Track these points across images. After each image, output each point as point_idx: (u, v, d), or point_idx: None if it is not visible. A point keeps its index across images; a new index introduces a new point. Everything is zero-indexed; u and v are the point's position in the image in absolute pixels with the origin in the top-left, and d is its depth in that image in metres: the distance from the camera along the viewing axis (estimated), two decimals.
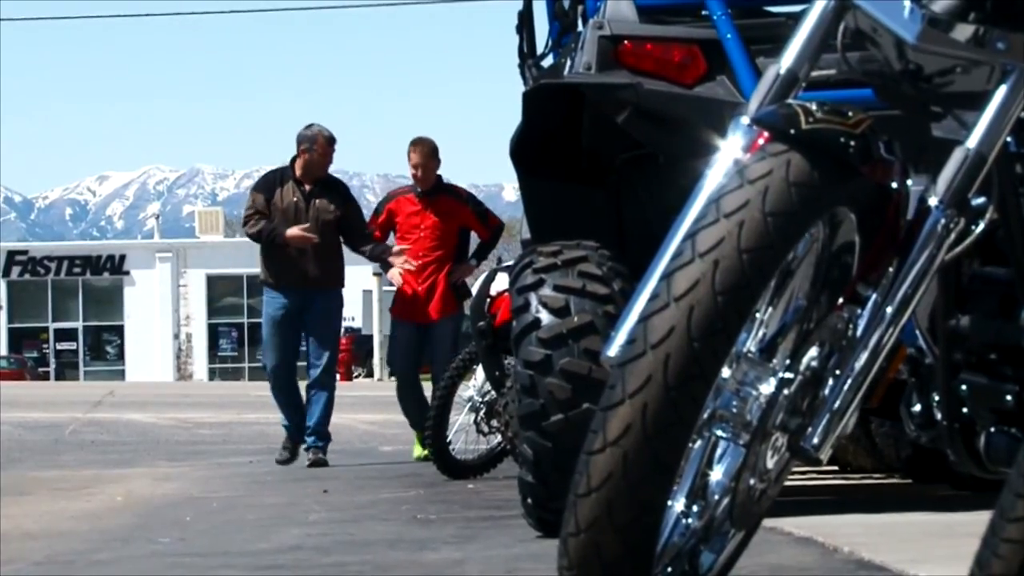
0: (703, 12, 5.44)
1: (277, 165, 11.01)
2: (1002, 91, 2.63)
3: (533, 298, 5.19)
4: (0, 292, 58.47)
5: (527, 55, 6.78)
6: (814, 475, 7.79)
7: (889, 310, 2.57)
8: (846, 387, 2.55)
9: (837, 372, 2.59)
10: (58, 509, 7.48)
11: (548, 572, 4.24)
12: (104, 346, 59.44)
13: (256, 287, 10.64)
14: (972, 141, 2.62)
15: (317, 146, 10.47)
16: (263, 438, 13.81)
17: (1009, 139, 2.70)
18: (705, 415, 2.55)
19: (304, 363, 10.66)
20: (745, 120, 2.67)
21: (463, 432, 9.15)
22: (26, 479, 9.83)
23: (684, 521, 2.63)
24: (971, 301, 2.82)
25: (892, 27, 2.70)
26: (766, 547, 4.09)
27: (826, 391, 2.59)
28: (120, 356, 58.66)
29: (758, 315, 2.61)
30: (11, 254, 60.13)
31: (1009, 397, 2.76)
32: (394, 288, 10.77)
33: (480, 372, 8.86)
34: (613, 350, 2.54)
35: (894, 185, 2.59)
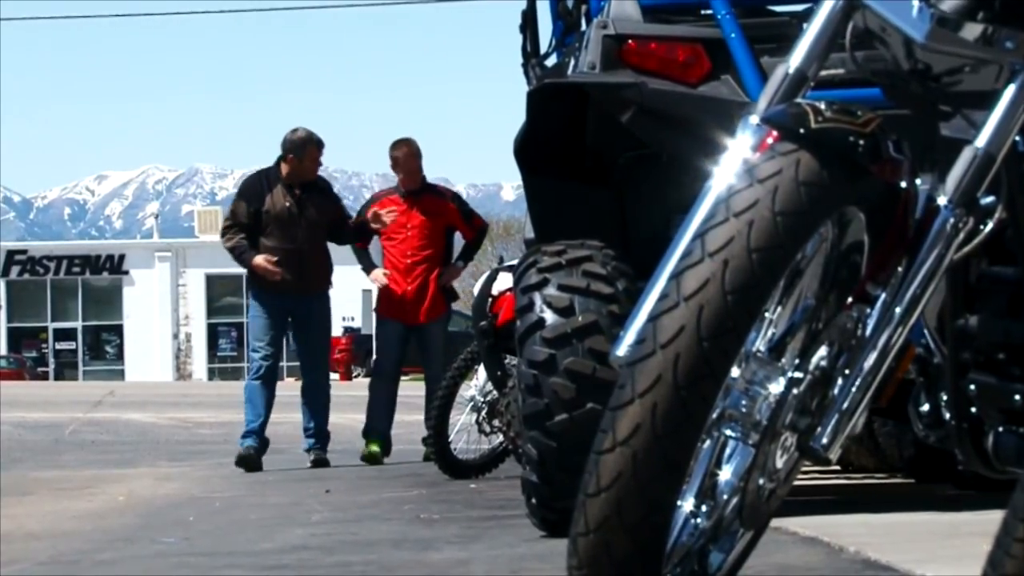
0: (706, 12, 5.44)
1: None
2: (1011, 90, 2.62)
3: (537, 297, 5.18)
4: None
5: (531, 54, 6.77)
6: (816, 475, 7.79)
7: (898, 310, 2.57)
8: (855, 387, 2.55)
9: (846, 371, 2.58)
10: (60, 509, 7.48)
11: (554, 572, 4.25)
12: (103, 346, 59.42)
13: None
14: (981, 140, 2.61)
15: (307, 153, 10.34)
16: None
17: (1018, 138, 2.69)
18: (714, 415, 2.54)
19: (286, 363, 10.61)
20: (754, 119, 2.67)
21: (465, 432, 9.15)
22: (27, 479, 9.83)
23: (693, 521, 2.63)
24: (979, 300, 2.82)
25: (901, 26, 2.70)
26: (772, 547, 4.09)
27: (835, 390, 2.59)
28: (119, 356, 58.64)
29: (767, 314, 2.61)
30: (10, 254, 60.09)
31: (1018, 397, 2.76)
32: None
33: (482, 372, 8.87)
34: (622, 349, 2.54)
35: (903, 184, 2.59)
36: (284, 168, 10.36)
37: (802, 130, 2.51)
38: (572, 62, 5.63)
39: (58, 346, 58.57)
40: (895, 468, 7.57)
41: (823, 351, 2.62)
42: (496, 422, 8.65)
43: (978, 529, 4.45)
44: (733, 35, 5.20)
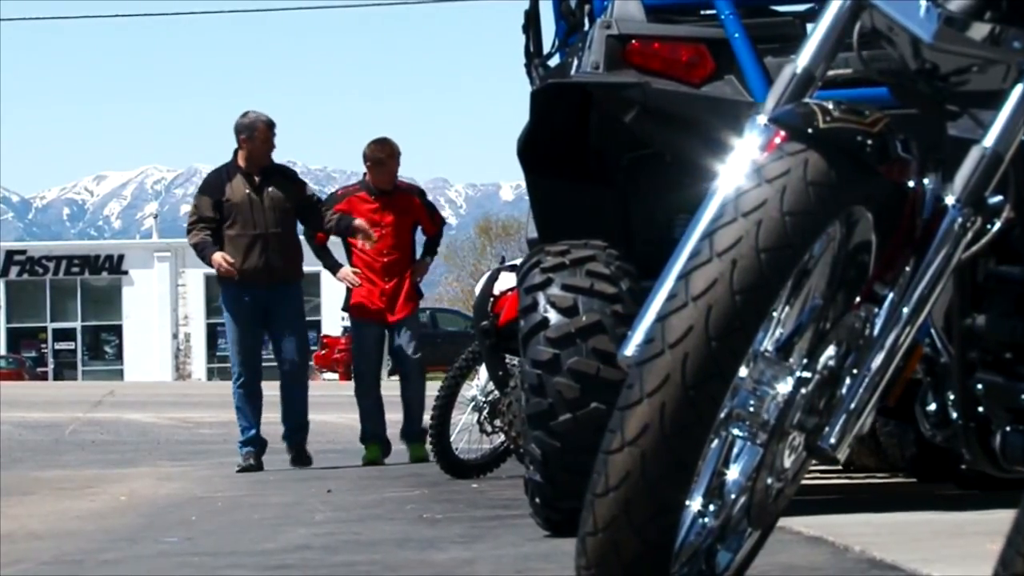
0: (709, 12, 5.44)
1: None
2: (1019, 90, 2.62)
3: (541, 297, 5.18)
4: None
5: (534, 54, 6.77)
6: (818, 474, 7.78)
7: (906, 309, 2.57)
8: (863, 386, 2.56)
9: (854, 371, 2.59)
10: (62, 509, 7.48)
11: (559, 571, 4.25)
12: (103, 346, 59.43)
13: None
14: (989, 140, 2.61)
15: (258, 133, 10.30)
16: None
17: None
18: (722, 414, 2.54)
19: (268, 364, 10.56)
20: (762, 119, 2.68)
21: (466, 432, 9.16)
22: (28, 479, 9.83)
23: (701, 520, 2.63)
24: (987, 300, 2.82)
25: (908, 26, 2.70)
26: (777, 547, 4.08)
27: (843, 390, 2.59)
28: (119, 356, 58.65)
29: (775, 314, 2.61)
30: (9, 254, 60.11)
31: None
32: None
33: (483, 372, 8.87)
34: (630, 349, 2.54)
35: (911, 184, 2.59)
36: (241, 156, 10.34)
37: (810, 130, 2.52)
38: (575, 62, 5.63)
39: (57, 346, 58.58)
40: (896, 468, 7.57)
41: (831, 351, 2.63)
42: (497, 422, 8.65)
43: (983, 528, 4.46)
44: (737, 35, 5.20)
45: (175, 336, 57.93)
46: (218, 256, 10.11)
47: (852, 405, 2.55)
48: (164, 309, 57.75)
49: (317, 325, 51.56)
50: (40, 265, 59.19)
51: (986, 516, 4.90)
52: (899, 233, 2.60)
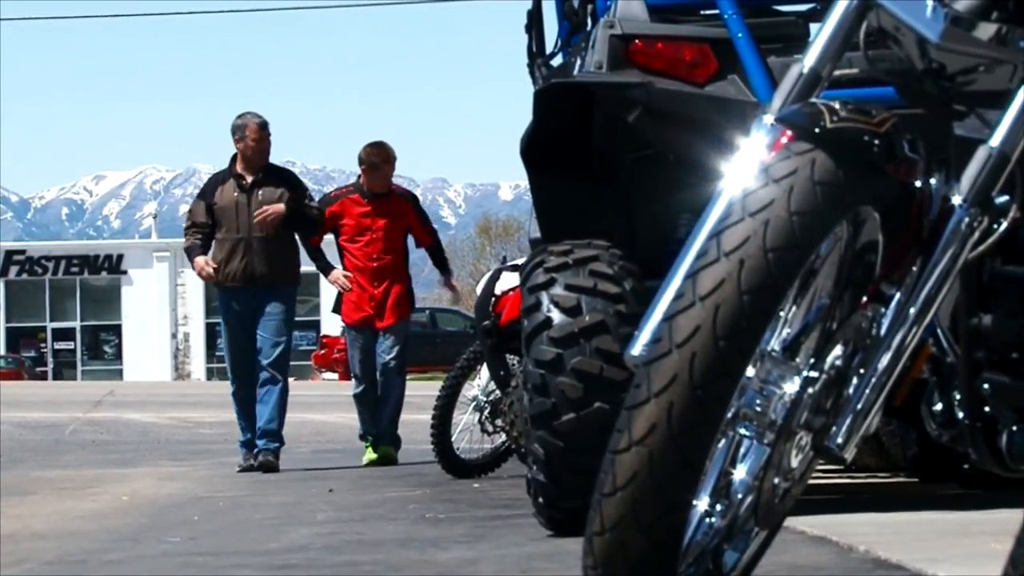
0: (712, 11, 5.44)
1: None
2: None
3: (544, 297, 5.19)
4: None
5: (536, 54, 6.77)
6: (819, 474, 7.79)
7: (913, 309, 2.57)
8: (870, 386, 2.56)
9: (861, 371, 2.58)
10: (64, 509, 7.48)
11: (562, 571, 4.25)
12: (102, 346, 59.43)
13: None
14: (995, 140, 2.61)
15: (249, 133, 10.24)
16: None
17: None
18: (729, 414, 2.55)
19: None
20: (769, 119, 2.68)
21: (467, 431, 9.16)
22: (29, 479, 9.83)
23: (708, 520, 2.63)
24: (993, 300, 2.81)
25: (915, 26, 2.70)
26: (781, 546, 4.07)
27: (850, 390, 2.59)
28: (118, 356, 58.65)
29: (782, 314, 2.61)
30: (8, 254, 60.10)
31: None
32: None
33: (484, 371, 8.88)
34: (638, 349, 2.54)
35: (918, 184, 2.59)
36: (238, 159, 10.30)
37: (817, 130, 2.52)
38: (578, 62, 5.63)
39: (56, 346, 58.57)
40: (899, 467, 7.58)
41: (838, 350, 2.63)
42: (499, 422, 8.66)
43: (987, 528, 4.46)
44: (740, 35, 5.20)
45: (174, 336, 57.93)
46: (200, 260, 10.10)
47: (859, 405, 2.55)
48: (163, 309, 57.75)
49: (317, 325, 51.59)
50: (39, 265, 59.18)
51: (990, 516, 4.89)
52: (906, 233, 2.60)
